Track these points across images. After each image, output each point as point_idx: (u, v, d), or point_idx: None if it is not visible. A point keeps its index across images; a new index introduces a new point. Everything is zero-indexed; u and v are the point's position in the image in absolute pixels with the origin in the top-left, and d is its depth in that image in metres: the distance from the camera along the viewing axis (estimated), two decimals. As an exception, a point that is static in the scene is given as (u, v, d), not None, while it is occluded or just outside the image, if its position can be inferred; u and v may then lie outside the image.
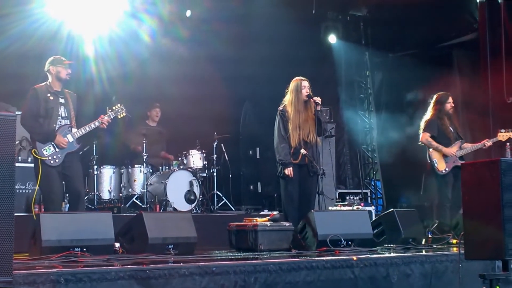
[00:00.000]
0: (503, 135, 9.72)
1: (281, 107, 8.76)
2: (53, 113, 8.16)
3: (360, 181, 14.98)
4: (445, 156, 9.71)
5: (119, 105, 8.65)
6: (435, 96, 10.03)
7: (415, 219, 8.85)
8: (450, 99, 9.94)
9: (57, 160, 8.05)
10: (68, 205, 8.87)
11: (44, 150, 8.02)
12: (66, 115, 8.26)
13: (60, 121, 8.21)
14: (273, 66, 12.95)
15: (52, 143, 8.05)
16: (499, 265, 6.20)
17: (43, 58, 9.18)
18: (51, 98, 8.17)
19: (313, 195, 8.55)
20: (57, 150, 8.07)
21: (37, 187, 8.16)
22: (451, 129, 9.87)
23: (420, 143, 9.92)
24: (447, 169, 9.67)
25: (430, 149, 9.79)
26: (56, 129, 8.13)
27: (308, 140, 8.57)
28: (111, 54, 11.31)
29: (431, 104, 9.99)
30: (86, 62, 10.82)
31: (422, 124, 9.96)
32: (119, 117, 8.64)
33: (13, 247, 4.25)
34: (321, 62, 14.21)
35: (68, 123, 8.25)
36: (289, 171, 8.53)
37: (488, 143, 9.78)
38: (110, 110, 8.54)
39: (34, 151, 8.02)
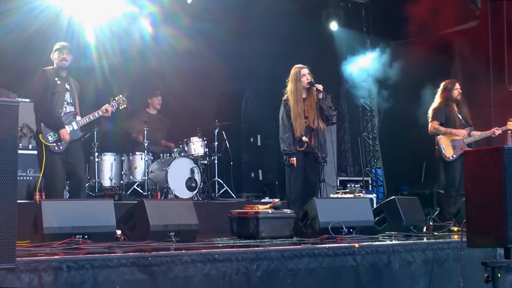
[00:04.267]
0: None
1: (284, 97, 8.75)
2: (60, 98, 8.19)
3: (361, 169, 14.99)
4: (453, 142, 9.71)
5: (120, 96, 8.70)
6: (442, 84, 10.04)
7: (416, 206, 8.86)
8: (457, 85, 9.95)
9: (61, 147, 8.08)
10: (68, 193, 8.87)
11: (49, 136, 8.04)
12: (71, 102, 8.30)
13: (65, 107, 8.23)
14: (274, 54, 12.95)
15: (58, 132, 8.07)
16: (501, 252, 6.21)
17: (43, 45, 9.21)
18: (59, 82, 8.19)
19: (317, 182, 8.55)
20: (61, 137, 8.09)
21: (41, 174, 8.14)
22: (460, 117, 9.88)
23: (430, 132, 9.92)
24: (454, 156, 9.68)
25: (439, 136, 9.80)
26: (62, 114, 8.14)
27: (314, 127, 8.56)
28: (112, 42, 11.26)
29: (439, 92, 10.01)
30: (87, 49, 10.78)
31: (430, 112, 9.97)
32: (120, 108, 8.73)
33: (16, 234, 4.24)
34: (323, 49, 14.18)
35: (73, 110, 8.28)
36: (293, 161, 8.54)
37: (497, 131, 9.80)
38: (112, 101, 8.60)
39: (40, 136, 8.02)
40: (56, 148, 8.06)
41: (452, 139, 9.75)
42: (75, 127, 8.23)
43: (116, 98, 8.69)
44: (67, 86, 8.29)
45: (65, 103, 8.24)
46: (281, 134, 8.71)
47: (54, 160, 8.03)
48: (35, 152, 8.36)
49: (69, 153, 8.18)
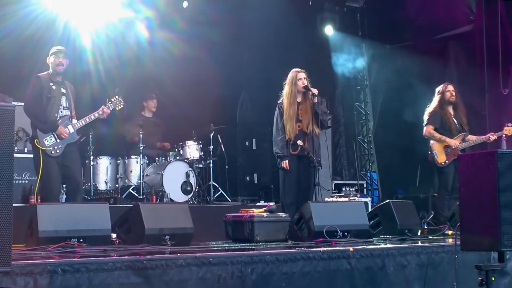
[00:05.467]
0: (509, 129, 9.70)
1: (279, 100, 8.78)
2: (55, 102, 8.20)
3: (356, 172, 15.01)
4: (446, 148, 9.74)
5: (117, 97, 8.72)
6: (436, 89, 10.06)
7: (411, 210, 8.87)
8: (449, 88, 9.96)
9: (57, 151, 8.09)
10: (65, 196, 8.88)
11: (45, 140, 8.05)
12: (67, 106, 8.32)
13: (62, 111, 8.26)
14: (270, 58, 12.98)
15: (54, 133, 8.08)
16: (494, 256, 6.23)
17: (39, 49, 9.23)
18: (54, 87, 8.20)
19: (311, 186, 8.56)
20: (58, 140, 8.11)
21: (38, 178, 8.13)
22: (455, 121, 9.88)
23: (424, 136, 9.94)
24: (447, 161, 9.70)
25: (432, 141, 9.82)
26: (58, 119, 8.16)
27: (308, 131, 8.57)
28: (108, 46, 11.29)
29: (435, 96, 10.03)
30: (82, 53, 10.79)
31: (426, 116, 9.99)
32: (117, 109, 8.73)
33: (11, 238, 4.26)
34: (318, 53, 14.21)
35: (69, 113, 8.30)
36: (285, 163, 8.56)
37: (493, 136, 9.79)
38: (109, 102, 8.60)
39: (36, 141, 8.03)
40: (52, 152, 8.07)
41: (446, 145, 9.78)
42: (71, 130, 8.25)
43: (113, 99, 8.69)
44: (63, 90, 8.31)
45: (61, 107, 8.27)
46: (274, 137, 8.74)
47: (50, 164, 8.05)
48: (31, 155, 8.37)
49: (66, 156, 8.19)
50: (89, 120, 8.43)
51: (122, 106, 8.76)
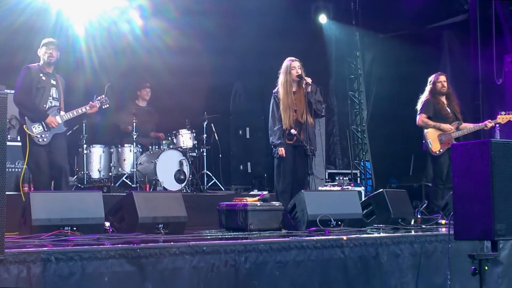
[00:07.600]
0: (502, 118, 9.73)
1: (275, 89, 8.77)
2: (45, 93, 8.26)
3: (350, 162, 15.03)
4: (440, 136, 9.74)
5: (103, 96, 8.82)
6: (430, 77, 10.07)
7: (404, 199, 8.87)
8: (441, 78, 9.96)
9: (45, 140, 8.16)
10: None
11: (33, 127, 8.09)
12: (57, 97, 8.39)
13: (51, 102, 8.31)
14: (263, 47, 12.95)
15: (42, 122, 8.11)
16: (488, 245, 6.24)
17: (31, 37, 9.21)
18: (43, 78, 8.26)
19: (306, 175, 8.56)
20: (45, 129, 8.12)
21: (24, 166, 8.19)
22: (448, 110, 9.88)
23: (417, 125, 9.94)
24: (441, 150, 9.70)
25: (426, 130, 9.82)
26: (46, 109, 8.19)
27: (302, 120, 8.56)
28: (101, 34, 11.27)
29: (427, 86, 10.03)
30: (75, 42, 10.77)
31: (419, 105, 9.99)
32: (103, 107, 8.91)
33: (4, 226, 4.24)
34: (312, 42, 14.19)
35: (58, 105, 8.35)
36: (281, 151, 8.55)
37: (490, 124, 9.79)
38: (96, 99, 8.69)
39: (24, 126, 8.06)
40: (40, 140, 8.12)
41: (440, 133, 9.78)
42: (59, 121, 8.29)
43: (99, 97, 8.80)
44: (53, 82, 8.38)
45: (51, 98, 8.35)
46: (270, 127, 8.73)
47: (38, 153, 8.12)
48: (23, 144, 8.37)
49: (52, 145, 8.26)
50: (76, 113, 8.55)
51: (107, 105, 8.95)
